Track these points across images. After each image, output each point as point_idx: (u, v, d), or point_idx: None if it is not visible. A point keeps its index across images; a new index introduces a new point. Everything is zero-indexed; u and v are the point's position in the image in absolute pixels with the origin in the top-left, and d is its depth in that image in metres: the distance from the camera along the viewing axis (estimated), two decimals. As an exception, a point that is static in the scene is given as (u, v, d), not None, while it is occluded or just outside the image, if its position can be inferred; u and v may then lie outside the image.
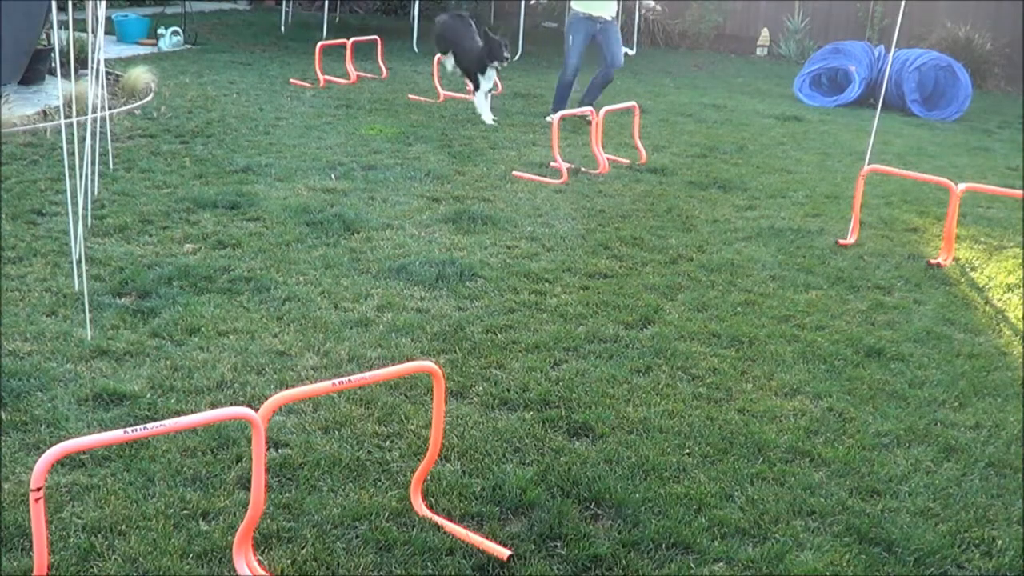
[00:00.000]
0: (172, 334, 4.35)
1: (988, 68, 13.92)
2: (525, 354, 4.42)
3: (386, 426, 3.73)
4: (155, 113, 8.58)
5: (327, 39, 11.53)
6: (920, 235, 6.63)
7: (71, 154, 5.75)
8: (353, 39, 10.98)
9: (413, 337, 4.50)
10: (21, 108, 8.09)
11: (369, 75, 11.13)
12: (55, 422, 3.56)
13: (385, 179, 7.03)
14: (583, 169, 7.66)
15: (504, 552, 3.02)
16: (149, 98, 9.01)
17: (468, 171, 7.45)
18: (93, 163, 5.89)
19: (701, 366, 4.41)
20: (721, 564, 3.08)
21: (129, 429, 2.49)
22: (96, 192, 6.13)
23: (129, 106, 8.64)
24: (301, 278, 5.11)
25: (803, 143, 9.40)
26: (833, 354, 4.62)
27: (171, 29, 12.36)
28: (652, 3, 10.99)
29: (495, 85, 9.46)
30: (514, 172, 7.47)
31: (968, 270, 6.01)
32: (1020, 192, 6.38)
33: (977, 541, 3.26)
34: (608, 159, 7.82)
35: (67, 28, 4.72)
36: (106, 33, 8.20)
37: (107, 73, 9.00)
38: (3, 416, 3.58)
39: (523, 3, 14.22)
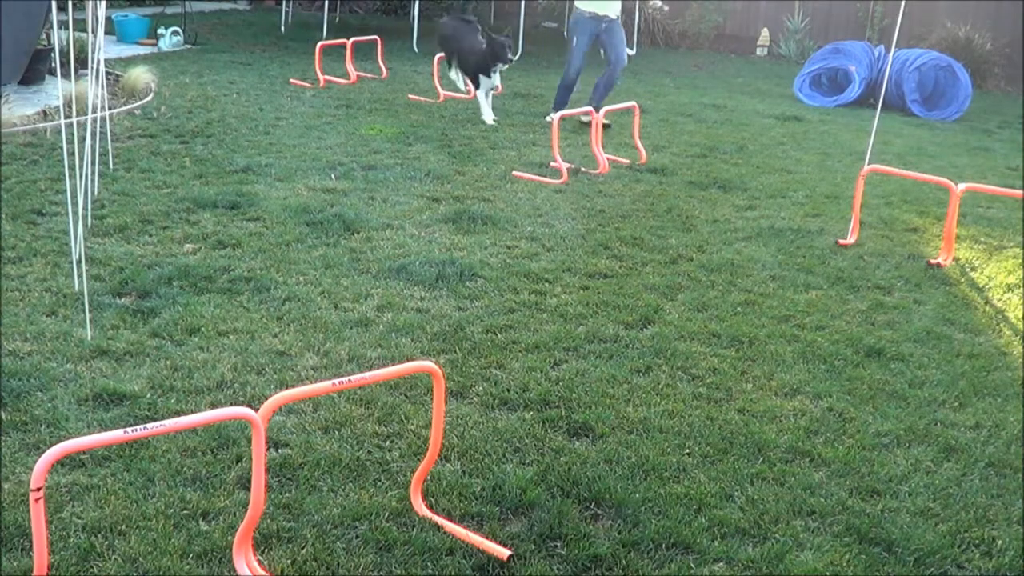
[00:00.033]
0: (172, 334, 4.35)
1: (988, 68, 13.91)
2: (525, 354, 4.42)
3: (386, 426, 3.73)
4: (155, 113, 8.58)
5: (327, 39, 11.52)
6: (920, 235, 6.63)
7: (71, 154, 5.75)
8: (353, 39, 10.97)
9: (413, 337, 4.51)
10: (21, 108, 8.09)
11: (369, 75, 11.13)
12: (55, 422, 3.56)
13: (385, 179, 7.03)
14: (583, 169, 7.66)
15: (504, 552, 3.02)
16: (149, 98, 9.01)
17: (468, 171, 7.45)
18: (93, 163, 5.89)
19: (701, 366, 4.42)
20: (721, 564, 3.08)
21: (129, 429, 2.49)
22: (96, 192, 6.13)
23: (129, 106, 8.64)
24: (301, 278, 5.11)
25: (803, 143, 9.39)
26: (833, 354, 4.62)
27: (171, 29, 12.35)
28: (659, 3, 10.96)
29: (495, 86, 9.46)
30: (514, 172, 7.47)
31: (968, 270, 6.01)
32: (1020, 192, 6.38)
33: (977, 541, 3.27)
34: (608, 159, 7.82)
35: (67, 28, 4.72)
36: (106, 33, 8.19)
37: (107, 73, 9.00)
38: (3, 416, 3.58)
39: (523, 3, 14.21)
